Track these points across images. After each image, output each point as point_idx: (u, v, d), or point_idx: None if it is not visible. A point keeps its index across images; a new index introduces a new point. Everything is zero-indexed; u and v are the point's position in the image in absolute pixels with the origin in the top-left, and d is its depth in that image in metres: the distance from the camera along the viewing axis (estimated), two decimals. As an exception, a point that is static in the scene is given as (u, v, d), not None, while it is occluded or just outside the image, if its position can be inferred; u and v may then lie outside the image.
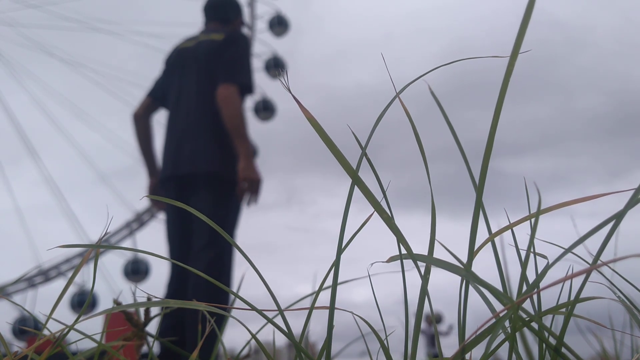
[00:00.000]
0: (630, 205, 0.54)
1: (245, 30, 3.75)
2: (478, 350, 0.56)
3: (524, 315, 0.54)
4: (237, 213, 3.32)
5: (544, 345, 0.57)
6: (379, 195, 0.58)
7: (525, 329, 0.55)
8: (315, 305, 0.63)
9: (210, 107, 3.28)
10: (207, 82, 3.34)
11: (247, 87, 3.31)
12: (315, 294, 0.63)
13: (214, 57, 3.32)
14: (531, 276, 0.59)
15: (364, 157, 0.60)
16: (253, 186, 3.18)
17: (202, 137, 3.28)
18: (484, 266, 0.62)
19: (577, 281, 0.57)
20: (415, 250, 0.58)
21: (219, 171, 3.23)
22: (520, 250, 0.62)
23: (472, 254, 0.56)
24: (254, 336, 0.63)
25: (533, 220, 0.60)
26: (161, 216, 3.54)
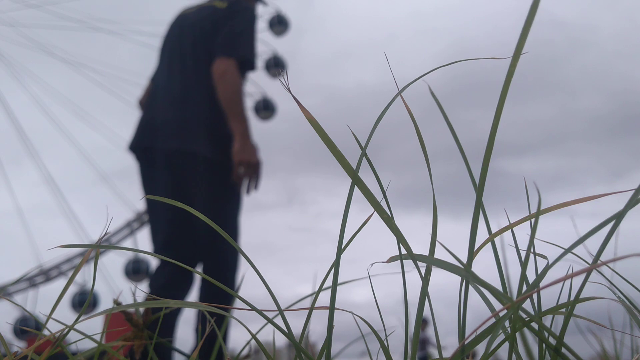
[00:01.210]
0: (630, 205, 0.54)
1: (255, 3, 3.31)
2: (478, 351, 0.56)
3: (524, 315, 0.54)
4: (237, 200, 2.93)
5: (544, 345, 0.57)
6: (379, 196, 0.58)
7: (525, 329, 0.55)
8: (315, 305, 0.63)
9: (203, 80, 2.95)
10: (203, 52, 2.99)
11: (247, 62, 2.94)
12: (315, 294, 0.63)
13: (213, 26, 3.00)
14: (531, 276, 0.59)
15: (364, 157, 0.60)
16: (251, 170, 2.81)
17: (191, 112, 2.93)
18: (484, 266, 0.62)
19: (577, 281, 0.57)
20: (416, 250, 0.58)
21: (207, 152, 2.88)
22: (520, 251, 0.62)
23: (472, 254, 0.56)
24: (254, 336, 0.63)
25: (533, 220, 0.60)
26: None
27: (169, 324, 2.66)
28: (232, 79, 2.84)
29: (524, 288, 0.59)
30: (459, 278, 0.56)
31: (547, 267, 0.57)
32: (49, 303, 0.62)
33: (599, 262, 0.53)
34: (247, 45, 2.97)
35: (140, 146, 2.98)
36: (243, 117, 2.84)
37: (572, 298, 0.60)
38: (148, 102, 3.12)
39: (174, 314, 2.70)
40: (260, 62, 11.47)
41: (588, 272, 0.51)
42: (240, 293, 0.66)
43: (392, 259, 0.60)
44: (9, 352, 0.62)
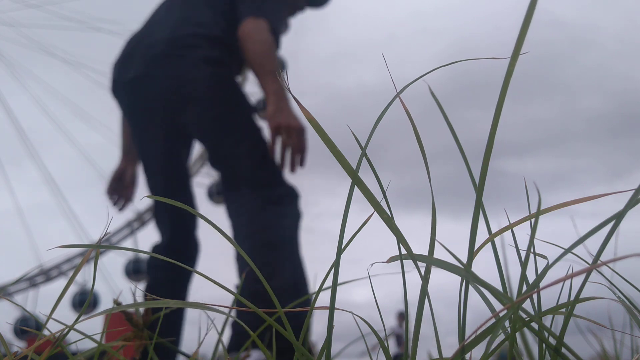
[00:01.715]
0: (630, 205, 0.54)
1: None
2: (478, 351, 0.56)
3: (524, 316, 0.54)
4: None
5: (543, 345, 0.57)
6: (379, 196, 0.58)
7: (525, 329, 0.55)
8: (315, 305, 0.63)
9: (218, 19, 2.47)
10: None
11: (274, 32, 2.46)
12: (315, 294, 0.63)
13: None
14: (531, 276, 0.59)
15: (364, 157, 0.60)
16: (293, 138, 2.18)
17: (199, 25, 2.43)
18: (484, 266, 0.62)
19: (577, 281, 0.57)
20: (416, 250, 0.58)
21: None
22: (520, 251, 0.62)
23: (472, 254, 0.56)
24: (254, 336, 0.63)
25: (533, 220, 0.60)
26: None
27: (175, 317, 2.32)
28: (263, 34, 2.35)
29: (524, 288, 0.58)
30: (459, 278, 0.56)
31: (547, 267, 0.57)
32: (49, 303, 0.62)
33: (599, 262, 0.53)
34: (276, 16, 2.51)
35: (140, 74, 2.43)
36: (276, 76, 2.30)
37: (572, 298, 0.60)
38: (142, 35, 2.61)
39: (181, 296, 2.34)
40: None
41: (588, 272, 0.51)
42: (240, 292, 0.66)
43: (392, 259, 0.60)
44: (9, 352, 0.62)
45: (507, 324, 0.57)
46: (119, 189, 2.73)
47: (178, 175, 2.51)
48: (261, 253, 2.07)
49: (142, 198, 0.70)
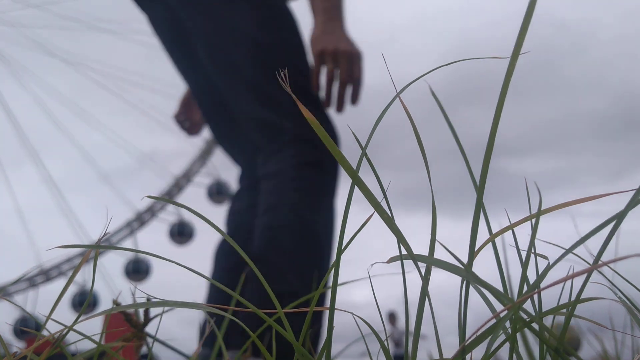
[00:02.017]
0: (631, 205, 0.54)
1: None
2: (479, 351, 0.56)
3: (525, 316, 0.54)
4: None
5: (544, 345, 0.57)
6: (379, 196, 0.58)
7: (526, 330, 0.55)
8: (316, 306, 0.63)
9: None
10: None
11: None
12: (315, 295, 0.63)
13: None
14: (532, 277, 0.59)
15: (365, 157, 0.59)
16: (342, 65, 1.63)
17: None
18: (484, 267, 0.62)
19: (578, 282, 0.57)
20: (416, 250, 0.58)
21: None
22: (521, 251, 0.62)
23: (472, 254, 0.56)
24: (253, 337, 0.63)
25: (534, 220, 0.60)
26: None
27: None
28: None
29: (525, 288, 0.58)
30: (460, 278, 0.56)
31: (548, 268, 0.57)
32: (48, 303, 0.62)
33: (600, 262, 0.53)
34: None
35: None
36: None
37: (573, 299, 0.60)
38: None
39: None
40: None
41: (589, 272, 0.51)
42: (240, 293, 0.66)
43: (392, 259, 0.59)
44: (8, 352, 0.62)
45: (507, 324, 0.57)
46: (188, 113, 2.33)
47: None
48: (280, 237, 1.57)
49: (142, 198, 0.69)
